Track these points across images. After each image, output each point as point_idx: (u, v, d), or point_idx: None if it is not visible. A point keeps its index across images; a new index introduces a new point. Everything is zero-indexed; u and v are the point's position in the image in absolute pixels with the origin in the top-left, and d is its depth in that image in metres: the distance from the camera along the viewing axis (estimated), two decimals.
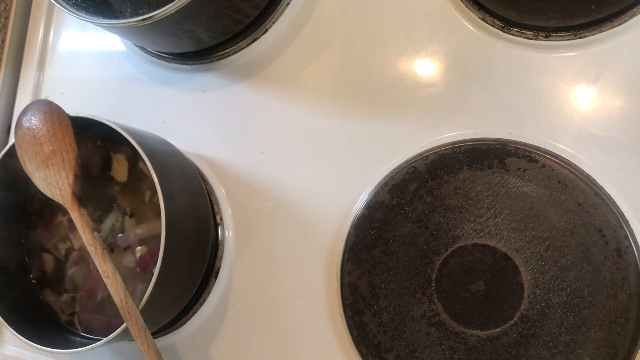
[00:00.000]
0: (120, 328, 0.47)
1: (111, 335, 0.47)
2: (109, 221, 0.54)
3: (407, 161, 0.52)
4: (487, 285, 0.48)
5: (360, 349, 0.51)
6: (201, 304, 0.57)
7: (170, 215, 0.47)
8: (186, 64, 0.62)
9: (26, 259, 0.57)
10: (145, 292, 0.46)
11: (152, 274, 0.46)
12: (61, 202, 0.50)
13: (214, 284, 0.57)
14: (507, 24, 0.52)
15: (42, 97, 0.68)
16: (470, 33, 0.53)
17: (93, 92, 0.66)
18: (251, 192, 0.57)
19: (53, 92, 0.68)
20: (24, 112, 0.52)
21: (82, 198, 0.50)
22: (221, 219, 0.58)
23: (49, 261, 0.56)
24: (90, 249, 0.48)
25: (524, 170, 0.49)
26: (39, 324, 0.54)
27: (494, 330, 0.48)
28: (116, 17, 0.61)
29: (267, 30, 0.59)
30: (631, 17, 0.48)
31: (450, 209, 0.50)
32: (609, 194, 0.47)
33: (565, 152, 0.49)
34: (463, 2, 0.53)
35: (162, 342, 0.58)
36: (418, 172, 0.51)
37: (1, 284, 0.54)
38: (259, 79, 0.59)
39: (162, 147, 0.54)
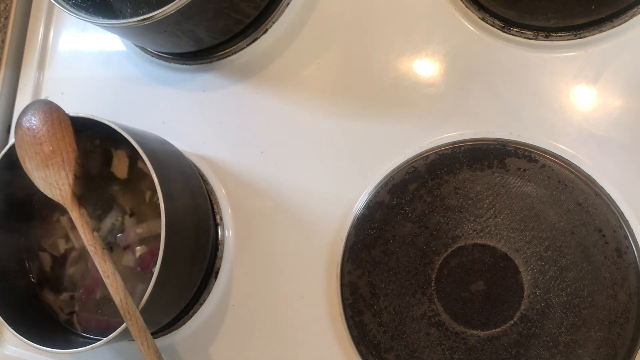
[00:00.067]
0: (120, 328, 0.47)
1: (111, 335, 0.47)
2: (109, 220, 0.54)
3: (407, 161, 0.52)
4: (487, 285, 0.48)
5: (360, 349, 0.51)
6: (201, 304, 0.57)
7: (170, 215, 0.47)
8: (186, 64, 0.62)
9: (25, 258, 0.57)
10: (145, 292, 0.46)
11: (152, 274, 0.46)
12: (61, 202, 0.50)
13: (214, 284, 0.57)
14: (507, 24, 0.52)
15: (42, 97, 0.68)
16: (470, 33, 0.53)
17: (93, 92, 0.66)
18: (251, 192, 0.57)
19: (53, 92, 0.68)
20: (24, 112, 0.52)
21: (82, 198, 0.50)
22: (221, 219, 0.58)
23: (48, 261, 0.56)
24: (90, 248, 0.48)
25: (524, 170, 0.49)
26: (39, 324, 0.54)
27: (494, 330, 0.48)
28: (116, 17, 0.61)
29: (267, 30, 0.59)
30: (631, 17, 0.48)
31: (450, 209, 0.50)
32: (609, 194, 0.47)
33: (565, 152, 0.49)
34: (463, 2, 0.53)
35: (162, 342, 0.58)
36: (418, 172, 0.51)
37: (1, 284, 0.54)
38: (259, 79, 0.59)
39: (162, 147, 0.54)
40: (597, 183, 0.48)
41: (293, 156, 0.57)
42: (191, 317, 0.57)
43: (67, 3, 0.54)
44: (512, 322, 0.47)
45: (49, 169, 0.50)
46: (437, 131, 0.53)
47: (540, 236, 0.48)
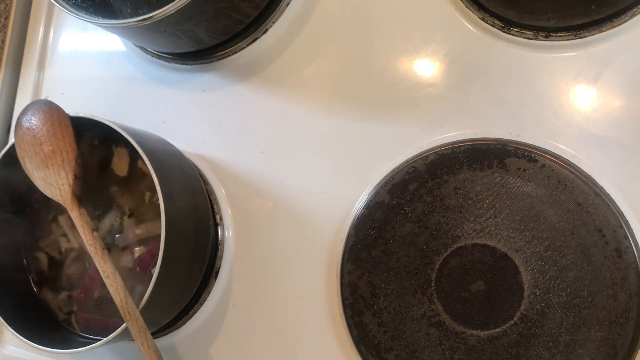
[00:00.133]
0: (120, 328, 0.47)
1: (111, 335, 0.47)
2: (108, 221, 0.54)
3: (407, 161, 0.52)
4: (487, 285, 0.48)
5: (360, 349, 0.51)
6: (201, 304, 0.57)
7: (170, 215, 0.47)
8: (186, 64, 0.62)
9: (24, 258, 0.57)
10: (144, 292, 0.46)
11: (152, 274, 0.46)
12: (61, 202, 0.50)
13: (214, 284, 0.57)
14: (507, 24, 0.52)
15: (42, 97, 0.68)
16: (470, 33, 0.53)
17: (93, 92, 0.66)
18: (251, 192, 0.57)
19: (53, 92, 0.68)
20: (24, 112, 0.52)
21: (81, 198, 0.50)
22: (221, 219, 0.58)
23: (45, 260, 0.56)
24: (90, 249, 0.48)
25: (524, 170, 0.49)
26: (39, 324, 0.54)
27: (494, 330, 0.48)
28: (116, 17, 0.61)
29: (267, 30, 0.59)
30: (631, 17, 0.48)
31: (450, 209, 0.50)
32: (609, 194, 0.47)
33: (565, 152, 0.49)
34: (463, 2, 0.53)
35: (162, 342, 0.58)
36: (418, 172, 0.51)
37: (1, 284, 0.54)
38: (259, 79, 0.59)
39: (162, 147, 0.54)
40: (597, 183, 0.48)
41: (293, 156, 0.57)
42: (191, 317, 0.57)
43: (67, 3, 0.54)
44: (512, 322, 0.47)
45: (49, 169, 0.50)
46: (437, 131, 0.53)
47: (540, 236, 0.48)
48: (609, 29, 0.49)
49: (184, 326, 0.58)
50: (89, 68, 0.67)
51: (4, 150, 0.53)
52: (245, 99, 0.59)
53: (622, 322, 0.45)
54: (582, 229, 0.47)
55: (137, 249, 0.53)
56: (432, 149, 0.52)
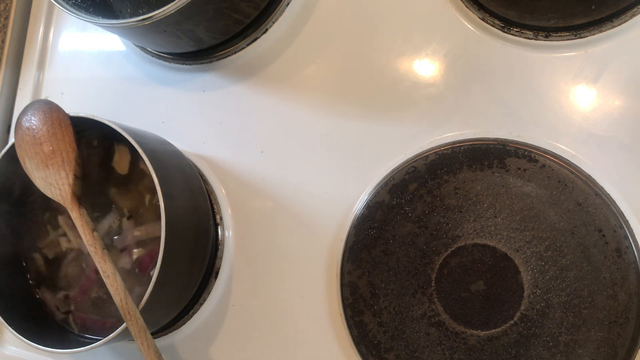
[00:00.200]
0: (120, 328, 0.47)
1: (111, 335, 0.47)
2: (106, 222, 0.54)
3: (407, 161, 0.52)
4: (487, 285, 0.48)
5: (360, 349, 0.51)
6: (201, 304, 0.57)
7: (170, 215, 0.47)
8: (186, 64, 0.62)
9: (23, 258, 0.57)
10: (142, 294, 0.46)
11: (150, 276, 0.46)
12: (61, 202, 0.50)
13: (214, 284, 0.57)
14: (507, 24, 0.52)
15: (42, 97, 0.68)
16: (470, 33, 0.53)
17: (93, 92, 0.66)
18: (251, 192, 0.57)
19: (53, 92, 0.68)
20: (24, 112, 0.52)
21: (81, 198, 0.50)
22: (221, 219, 0.58)
23: (45, 261, 0.56)
24: (90, 249, 0.48)
25: (524, 170, 0.49)
26: (38, 324, 0.54)
27: (494, 330, 0.48)
28: (116, 17, 0.61)
29: (267, 30, 0.59)
30: (631, 17, 0.48)
31: (450, 209, 0.50)
32: (609, 194, 0.47)
33: (565, 152, 0.49)
34: (463, 2, 0.53)
35: (162, 342, 0.58)
36: (418, 172, 0.51)
37: (1, 284, 0.54)
38: (259, 79, 0.59)
39: (162, 147, 0.54)
40: (597, 183, 0.48)
41: (293, 156, 0.57)
42: (191, 317, 0.57)
43: (67, 3, 0.54)
44: (512, 322, 0.47)
45: (49, 168, 0.50)
46: (437, 131, 0.53)
47: (540, 236, 0.48)
48: (609, 29, 0.49)
49: (184, 326, 0.58)
50: (89, 68, 0.67)
51: (4, 150, 0.53)
52: (245, 99, 0.59)
53: (622, 322, 0.45)
54: (582, 229, 0.47)
55: (135, 250, 0.53)
56: (432, 149, 0.52)
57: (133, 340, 0.47)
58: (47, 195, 0.50)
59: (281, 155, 0.57)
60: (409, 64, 0.54)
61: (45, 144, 0.50)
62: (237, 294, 0.57)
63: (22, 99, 0.69)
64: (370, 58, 0.55)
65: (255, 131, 0.58)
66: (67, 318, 0.55)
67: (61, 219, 0.56)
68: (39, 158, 0.50)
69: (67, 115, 0.51)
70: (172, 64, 0.62)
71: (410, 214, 0.51)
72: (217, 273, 0.57)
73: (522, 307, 0.47)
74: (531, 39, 0.51)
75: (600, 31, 0.49)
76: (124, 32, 0.58)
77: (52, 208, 0.56)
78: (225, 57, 0.60)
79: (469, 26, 0.53)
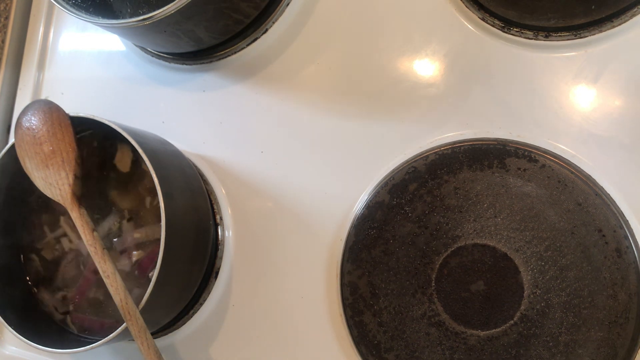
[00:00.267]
0: (120, 328, 0.47)
1: (111, 335, 0.47)
2: (106, 224, 0.54)
3: (407, 161, 0.52)
4: (487, 285, 0.48)
5: (360, 349, 0.51)
6: (201, 304, 0.57)
7: (170, 215, 0.47)
8: (186, 64, 0.62)
9: (22, 259, 0.57)
10: (141, 296, 0.46)
11: (150, 278, 0.46)
12: (61, 202, 0.50)
13: (214, 284, 0.57)
14: (507, 24, 0.52)
15: (42, 97, 0.68)
16: (470, 33, 0.53)
17: (93, 92, 0.66)
18: (251, 192, 0.57)
19: (53, 92, 0.68)
20: (24, 112, 0.52)
21: (81, 199, 0.50)
22: (221, 219, 0.58)
23: (44, 261, 0.56)
24: (90, 249, 0.48)
25: (524, 170, 0.49)
26: (38, 324, 0.54)
27: (494, 330, 0.48)
28: (116, 17, 0.61)
29: (267, 30, 0.59)
30: (631, 17, 0.48)
31: (450, 209, 0.50)
32: (609, 194, 0.47)
33: (565, 152, 0.49)
34: (463, 2, 0.53)
35: (162, 342, 0.58)
36: (418, 172, 0.51)
37: (1, 285, 0.54)
38: (259, 79, 0.59)
39: (162, 147, 0.54)
40: (597, 183, 0.48)
41: (293, 156, 0.57)
42: (191, 317, 0.57)
43: (67, 3, 0.54)
44: (512, 322, 0.47)
45: (49, 169, 0.50)
46: (437, 131, 0.53)
47: (540, 236, 0.48)
48: (609, 29, 0.49)
49: (184, 326, 0.58)
50: (89, 68, 0.67)
51: (4, 150, 0.53)
52: (245, 99, 0.59)
53: (622, 322, 0.45)
54: (582, 229, 0.47)
55: (135, 253, 0.53)
56: (432, 149, 0.52)
57: (133, 340, 0.47)
58: (47, 195, 0.50)
59: (281, 155, 0.57)
60: (409, 64, 0.54)
61: (45, 144, 0.50)
62: (237, 294, 0.57)
63: (22, 99, 0.69)
64: (370, 58, 0.55)
65: (255, 131, 0.58)
66: (65, 319, 0.55)
67: (62, 220, 0.56)
68: (39, 158, 0.50)
69: (67, 115, 0.51)
70: (172, 64, 0.62)
71: (410, 214, 0.51)
72: (217, 273, 0.57)
73: (522, 307, 0.47)
74: (531, 39, 0.51)
75: (600, 31, 0.49)
76: (124, 32, 0.58)
77: (51, 209, 0.56)
78: (225, 57, 0.60)
79: (469, 26, 0.53)
